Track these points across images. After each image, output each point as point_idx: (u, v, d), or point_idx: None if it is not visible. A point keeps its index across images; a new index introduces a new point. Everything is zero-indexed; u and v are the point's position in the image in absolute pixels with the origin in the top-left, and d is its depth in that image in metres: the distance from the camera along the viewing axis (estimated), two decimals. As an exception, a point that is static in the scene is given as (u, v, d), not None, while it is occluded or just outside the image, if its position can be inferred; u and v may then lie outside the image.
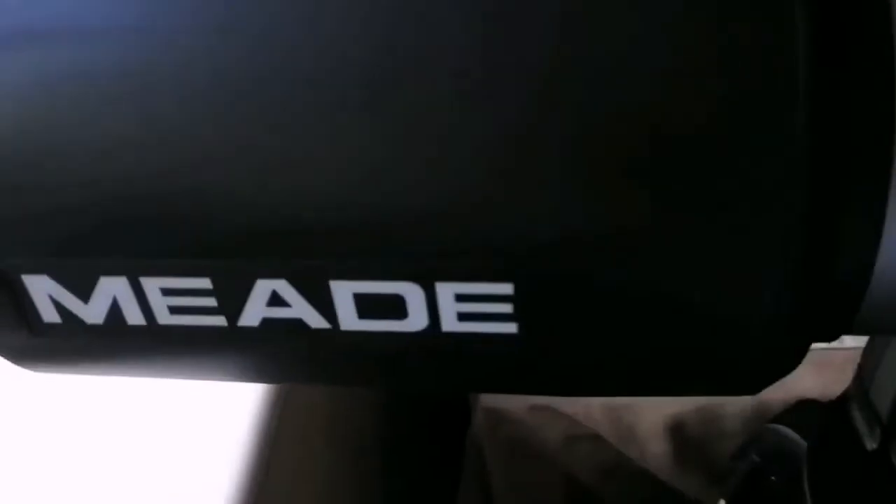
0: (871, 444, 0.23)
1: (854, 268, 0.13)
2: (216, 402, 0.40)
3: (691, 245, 0.12)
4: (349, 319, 0.14)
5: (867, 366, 0.24)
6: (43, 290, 0.14)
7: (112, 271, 0.14)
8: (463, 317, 0.13)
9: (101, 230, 0.13)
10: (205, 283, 0.14)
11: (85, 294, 0.14)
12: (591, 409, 0.52)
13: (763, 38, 0.11)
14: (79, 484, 0.37)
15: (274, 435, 0.40)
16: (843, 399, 0.24)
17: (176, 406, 0.40)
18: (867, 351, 0.24)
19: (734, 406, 0.51)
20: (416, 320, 0.14)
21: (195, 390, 0.40)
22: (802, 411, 0.26)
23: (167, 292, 0.14)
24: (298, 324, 0.14)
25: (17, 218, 0.13)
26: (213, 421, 0.40)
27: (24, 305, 0.14)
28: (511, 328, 0.13)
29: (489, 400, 0.53)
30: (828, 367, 0.52)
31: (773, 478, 0.27)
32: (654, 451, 0.51)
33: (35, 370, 0.16)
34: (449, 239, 0.13)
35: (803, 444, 0.26)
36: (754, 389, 0.15)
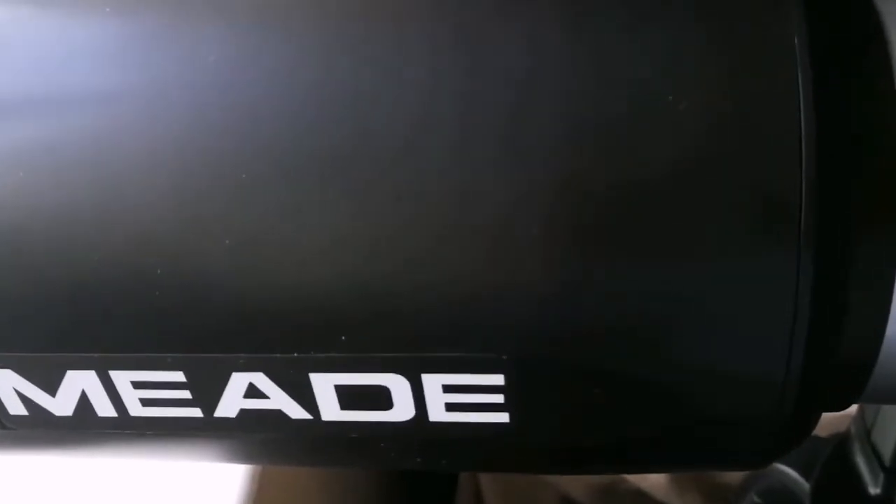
0: (873, 489, 0.22)
1: (863, 340, 0.13)
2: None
3: (693, 327, 0.12)
4: (331, 410, 0.13)
5: (869, 406, 0.23)
6: (7, 384, 0.13)
7: (79, 366, 0.13)
8: (451, 407, 0.13)
9: (66, 326, 0.13)
10: (178, 376, 0.13)
11: (52, 388, 0.13)
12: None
13: (766, 127, 0.11)
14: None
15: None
16: (845, 440, 0.24)
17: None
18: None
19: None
20: (401, 411, 0.13)
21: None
22: (804, 450, 0.25)
23: (138, 385, 0.13)
24: (278, 414, 0.13)
25: None
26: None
27: None
28: (503, 417, 0.13)
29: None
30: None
31: (773, 519, 0.26)
32: (651, 471, 0.50)
33: (3, 455, 0.16)
34: (434, 331, 0.12)
35: (805, 484, 0.25)
36: (761, 464, 0.14)
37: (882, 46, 0.12)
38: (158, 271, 0.12)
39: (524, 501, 0.53)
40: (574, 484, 0.51)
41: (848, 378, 0.13)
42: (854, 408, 0.25)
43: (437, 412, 0.13)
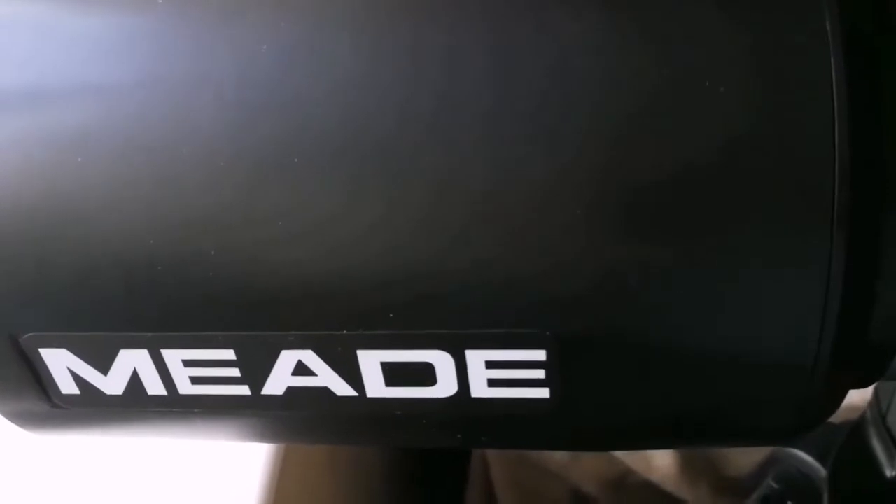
0: (890, 472, 0.23)
1: (892, 318, 0.13)
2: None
3: (729, 305, 0.12)
4: (376, 387, 0.13)
5: (883, 390, 0.24)
6: (61, 363, 0.14)
7: (133, 344, 0.13)
8: (493, 383, 0.13)
9: (121, 305, 0.13)
10: (228, 354, 0.13)
11: (104, 367, 0.14)
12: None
13: (801, 118, 0.11)
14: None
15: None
16: (860, 425, 0.24)
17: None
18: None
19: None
20: (445, 387, 0.13)
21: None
22: (820, 435, 0.26)
23: (189, 363, 0.13)
24: (324, 391, 0.14)
25: (33, 293, 0.13)
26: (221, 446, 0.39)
27: (41, 378, 0.14)
28: (543, 393, 0.13)
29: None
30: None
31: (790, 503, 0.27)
32: (660, 463, 0.50)
33: (50, 436, 0.16)
34: (479, 307, 0.12)
35: (821, 469, 0.25)
36: (791, 440, 0.15)
37: None
38: (213, 252, 0.12)
39: (534, 494, 0.53)
40: (584, 477, 0.51)
41: (875, 355, 0.14)
42: (867, 395, 0.25)
43: (479, 388, 0.13)
